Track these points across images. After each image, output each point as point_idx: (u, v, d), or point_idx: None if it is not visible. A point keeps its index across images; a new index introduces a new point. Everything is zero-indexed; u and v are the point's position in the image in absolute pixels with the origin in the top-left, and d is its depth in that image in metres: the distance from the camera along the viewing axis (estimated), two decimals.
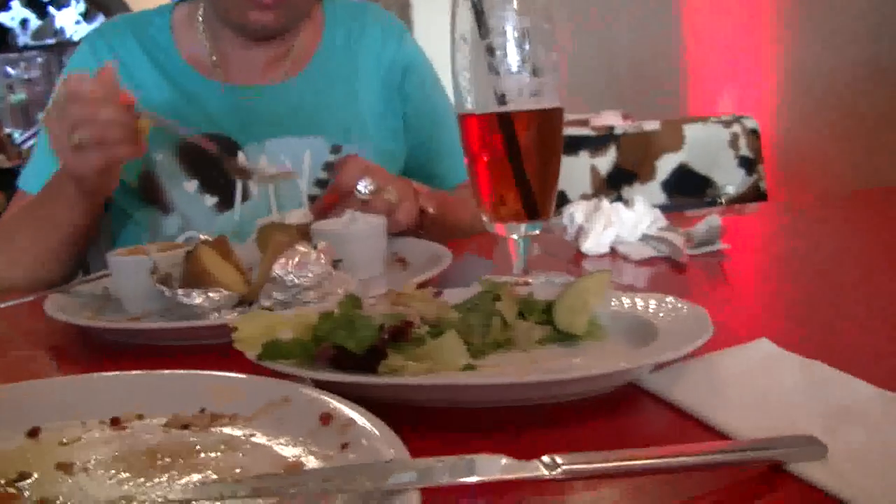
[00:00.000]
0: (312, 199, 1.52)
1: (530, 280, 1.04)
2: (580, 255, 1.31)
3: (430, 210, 1.44)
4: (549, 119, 1.04)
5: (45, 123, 1.28)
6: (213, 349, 0.87)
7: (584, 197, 2.32)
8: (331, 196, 1.31)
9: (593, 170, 2.48)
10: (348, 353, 0.67)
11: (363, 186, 1.29)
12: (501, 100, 1.01)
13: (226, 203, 1.51)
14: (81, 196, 1.33)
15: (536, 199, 1.05)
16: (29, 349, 1.02)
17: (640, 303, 0.84)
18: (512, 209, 1.05)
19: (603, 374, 0.66)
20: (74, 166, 1.24)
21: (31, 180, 1.52)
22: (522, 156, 1.03)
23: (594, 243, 1.30)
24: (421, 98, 1.70)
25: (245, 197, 1.51)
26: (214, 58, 1.58)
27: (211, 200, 1.50)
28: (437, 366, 0.67)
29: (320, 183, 1.54)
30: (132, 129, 1.21)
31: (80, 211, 1.36)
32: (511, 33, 1.00)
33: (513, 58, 1.01)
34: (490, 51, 1.01)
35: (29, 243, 1.40)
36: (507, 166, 1.03)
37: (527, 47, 1.01)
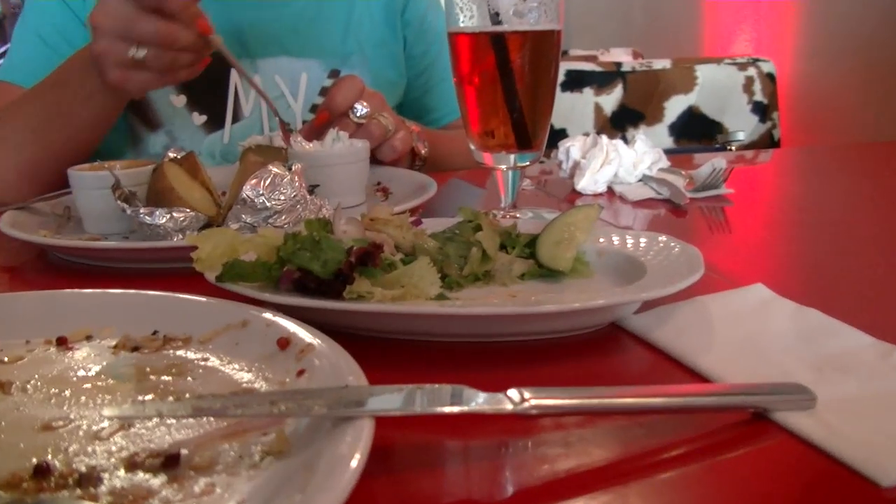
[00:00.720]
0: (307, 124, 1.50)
1: (517, 215, 1.03)
2: (575, 194, 1.30)
3: (423, 151, 1.43)
4: (545, 41, 1.02)
5: (92, 22, 1.14)
6: (176, 273, 0.86)
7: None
8: (322, 115, 1.28)
9: (597, 108, 2.45)
10: (313, 276, 0.66)
11: (358, 109, 1.27)
12: (495, 18, 0.99)
13: (216, 122, 1.49)
14: (105, 90, 1.21)
15: (528, 128, 1.03)
16: None
17: (629, 240, 0.83)
18: (501, 138, 1.03)
19: (582, 310, 0.66)
20: (121, 81, 1.15)
21: (19, 70, 1.43)
22: (515, 80, 1.01)
23: (590, 181, 1.29)
24: (421, 24, 1.67)
25: (236, 117, 1.49)
26: None
27: (200, 119, 1.48)
28: (407, 294, 0.66)
29: (316, 108, 1.52)
30: (199, 58, 1.16)
31: (99, 105, 1.25)
32: None
33: None
34: None
35: (28, 137, 1.27)
36: (499, 91, 1.01)
37: None
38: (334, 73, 1.54)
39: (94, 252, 0.96)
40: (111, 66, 1.15)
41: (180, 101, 1.47)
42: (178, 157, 1.05)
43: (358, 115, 1.27)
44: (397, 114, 1.39)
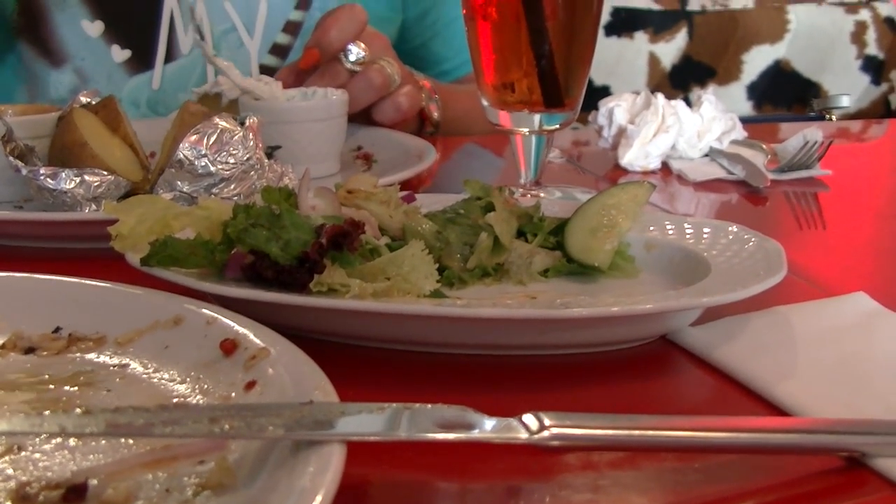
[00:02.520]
0: (265, 70, 1.51)
1: (541, 193, 1.04)
2: (619, 171, 1.31)
3: (436, 114, 1.44)
4: None
5: None
6: (88, 255, 0.87)
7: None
8: (311, 55, 1.29)
9: (652, 59, 2.46)
10: (270, 261, 0.67)
11: (353, 51, 1.28)
12: None
13: (142, 60, 1.49)
14: None
15: (559, 79, 1.04)
16: None
17: (689, 230, 0.84)
18: (524, 93, 1.04)
19: (624, 316, 0.66)
20: None
21: None
22: (544, 15, 1.01)
23: (639, 154, 1.29)
24: None
25: (171, 55, 1.49)
26: None
27: (122, 54, 1.49)
28: (394, 288, 0.67)
29: (277, 49, 1.53)
30: None
31: None
32: None
33: None
34: None
35: None
36: (522, 30, 1.02)
37: None
38: (305, 3, 1.54)
39: None
40: None
41: (96, 28, 1.47)
42: (93, 102, 1.05)
43: (352, 59, 1.28)
44: None
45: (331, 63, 1.28)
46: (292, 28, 1.53)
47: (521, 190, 1.05)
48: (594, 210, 0.81)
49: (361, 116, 1.32)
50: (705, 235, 0.83)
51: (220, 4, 1.50)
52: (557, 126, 1.06)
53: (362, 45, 1.28)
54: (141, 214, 0.73)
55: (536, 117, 1.05)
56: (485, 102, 1.07)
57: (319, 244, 0.67)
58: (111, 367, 0.63)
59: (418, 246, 0.69)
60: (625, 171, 1.30)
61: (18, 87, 1.49)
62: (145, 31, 1.49)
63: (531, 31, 1.02)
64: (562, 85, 1.04)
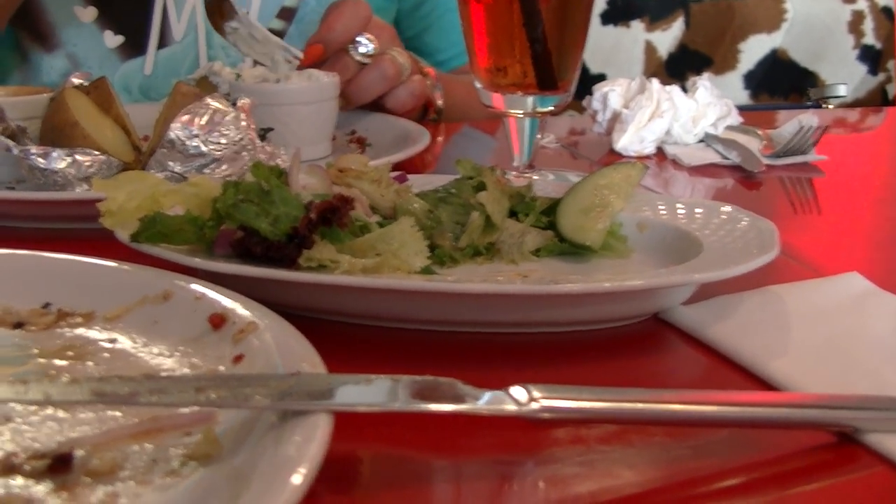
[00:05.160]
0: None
1: (534, 176, 1.04)
2: (613, 156, 1.31)
3: (439, 102, 1.44)
4: None
5: None
6: (78, 235, 0.87)
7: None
8: (314, 50, 1.28)
9: (649, 48, 2.46)
10: (259, 237, 0.67)
11: (363, 43, 1.28)
12: None
13: (135, 46, 1.49)
14: None
15: (553, 61, 1.04)
16: None
17: (681, 210, 0.84)
18: (517, 75, 1.04)
19: (615, 292, 0.66)
20: None
21: None
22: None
23: (634, 139, 1.29)
24: None
25: (164, 41, 1.49)
26: None
27: (115, 40, 1.49)
28: (384, 265, 0.67)
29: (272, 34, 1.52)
30: None
31: None
32: None
33: None
34: None
35: None
36: (515, 10, 1.02)
37: None
38: None
39: None
40: None
41: (89, 14, 1.47)
42: (85, 83, 1.05)
43: (362, 51, 1.28)
44: None
45: (339, 55, 1.28)
46: (287, 14, 1.53)
47: (514, 173, 1.05)
48: (587, 190, 0.81)
49: (369, 106, 1.32)
50: (698, 216, 0.82)
51: None
52: (551, 108, 1.06)
53: (371, 36, 1.28)
54: (130, 191, 0.72)
55: (529, 100, 1.05)
56: (478, 85, 1.07)
57: (309, 219, 0.66)
58: (100, 342, 0.63)
59: (408, 222, 0.69)
60: (619, 156, 1.30)
61: (11, 72, 1.49)
62: (138, 17, 1.49)
63: (524, 12, 1.01)
64: (555, 67, 1.04)
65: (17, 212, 0.95)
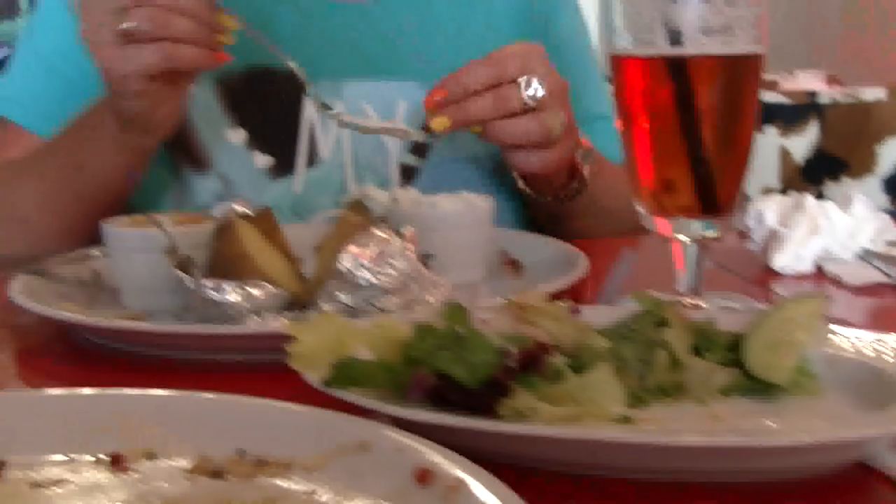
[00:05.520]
0: (405, 169, 1.52)
1: (702, 303, 1.02)
2: (769, 273, 1.29)
3: (585, 172, 1.42)
4: (743, 70, 1.02)
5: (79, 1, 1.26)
6: (243, 368, 0.88)
7: (767, 191, 2.28)
8: (435, 96, 1.27)
9: (784, 154, 2.44)
10: (456, 384, 0.67)
11: (534, 86, 1.26)
12: (675, 37, 1.00)
13: (284, 166, 1.52)
14: (126, 133, 1.32)
15: (717, 185, 1.03)
16: None
17: (871, 344, 0.82)
18: (682, 198, 1.03)
19: (821, 444, 0.65)
20: (117, 67, 1.22)
21: (20, 104, 1.53)
22: (701, 120, 1.01)
23: (792, 257, 1.27)
24: (566, 43, 1.68)
25: (312, 160, 1.52)
26: None
27: (263, 160, 1.51)
28: (583, 413, 0.66)
29: (417, 147, 1.54)
30: (210, 28, 1.22)
31: (122, 156, 1.36)
32: None
33: None
34: None
35: (39, 201, 1.42)
36: (679, 134, 1.01)
37: None
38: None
39: (144, 337, 0.99)
40: (98, 50, 1.22)
41: (238, 136, 1.50)
42: (248, 212, 1.07)
43: (530, 92, 1.25)
44: None
45: (508, 87, 1.26)
46: (420, 150, 1.55)
47: (682, 299, 1.03)
48: (771, 325, 0.79)
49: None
50: (891, 352, 0.81)
51: (360, 106, 1.52)
52: (715, 233, 1.04)
53: (542, 81, 1.26)
54: (320, 333, 0.73)
55: (696, 224, 1.04)
56: (640, 209, 1.06)
57: (509, 367, 0.66)
58: (300, 494, 0.63)
59: (606, 369, 0.69)
60: (775, 275, 1.28)
61: (165, 192, 1.52)
62: (286, 138, 1.51)
63: (688, 137, 1.01)
64: (720, 191, 1.03)
65: (189, 344, 0.97)
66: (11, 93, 1.55)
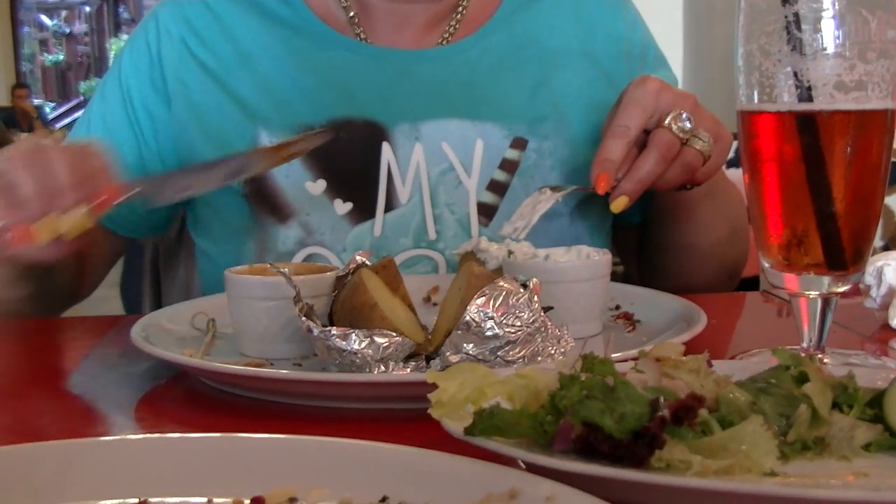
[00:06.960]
0: (483, 207, 1.53)
1: (826, 359, 1.02)
2: (886, 332, 1.28)
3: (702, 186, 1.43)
4: (874, 125, 1.02)
5: None
6: (365, 417, 0.89)
7: (875, 251, 2.26)
8: (635, 120, 1.29)
9: (886, 211, 2.42)
10: (604, 434, 0.67)
11: (684, 119, 1.27)
12: (806, 93, 1.00)
13: (363, 211, 1.54)
14: None
15: (845, 241, 1.03)
16: (110, 397, 1.07)
17: None
18: (810, 253, 1.03)
19: None
20: None
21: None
22: (831, 176, 1.01)
23: None
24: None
25: (390, 204, 1.54)
26: (352, 13, 1.61)
27: (344, 207, 1.53)
28: (736, 466, 0.66)
29: (495, 186, 1.55)
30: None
31: None
32: None
33: (829, 33, 0.99)
34: (795, 21, 1.00)
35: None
36: (808, 190, 1.01)
37: (851, 19, 0.99)
38: (519, 143, 1.56)
39: (269, 383, 1.00)
40: None
41: (318, 187, 1.52)
42: (368, 262, 1.09)
43: (684, 127, 1.28)
44: None
45: (661, 131, 1.28)
46: (509, 166, 1.55)
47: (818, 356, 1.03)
48: None
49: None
50: None
51: (438, 146, 1.54)
52: (844, 289, 1.04)
53: (683, 112, 1.29)
54: (461, 382, 0.74)
55: (825, 280, 1.03)
56: (766, 264, 1.06)
57: (661, 418, 0.66)
58: None
59: (758, 421, 0.69)
60: (893, 332, 1.27)
61: (248, 243, 1.55)
62: (364, 185, 1.53)
63: (817, 195, 1.01)
64: (848, 248, 1.03)
65: (314, 392, 0.98)
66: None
